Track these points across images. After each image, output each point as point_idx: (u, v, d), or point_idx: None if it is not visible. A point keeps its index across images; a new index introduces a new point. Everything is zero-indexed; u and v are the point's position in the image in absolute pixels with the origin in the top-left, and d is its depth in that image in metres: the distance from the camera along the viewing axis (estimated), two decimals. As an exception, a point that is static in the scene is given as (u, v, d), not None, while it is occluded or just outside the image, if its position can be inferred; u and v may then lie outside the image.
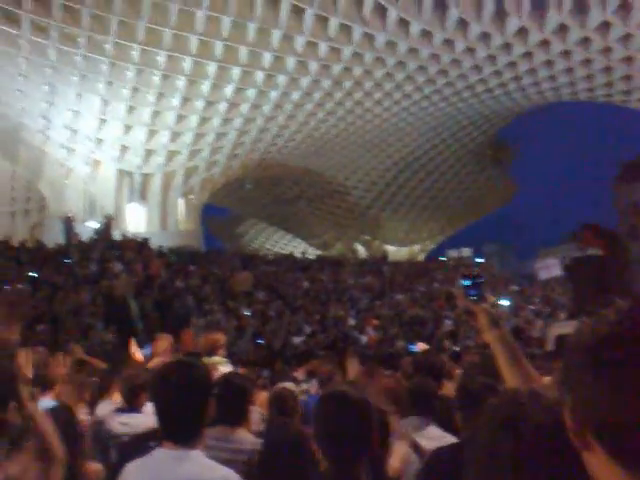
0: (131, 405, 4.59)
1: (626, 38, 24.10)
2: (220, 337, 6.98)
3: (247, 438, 3.53)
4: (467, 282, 2.20)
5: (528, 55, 25.72)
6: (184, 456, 2.40)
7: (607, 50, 24.92)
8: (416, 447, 3.53)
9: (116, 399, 5.26)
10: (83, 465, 3.58)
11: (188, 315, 15.21)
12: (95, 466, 3.88)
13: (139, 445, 3.08)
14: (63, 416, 3.66)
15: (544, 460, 1.44)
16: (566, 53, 25.35)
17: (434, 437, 3.70)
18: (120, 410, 4.67)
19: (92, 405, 5.45)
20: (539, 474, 1.45)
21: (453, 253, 47.11)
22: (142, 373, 4.89)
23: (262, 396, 6.03)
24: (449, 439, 3.44)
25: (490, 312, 2.10)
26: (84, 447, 3.91)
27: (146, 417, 4.40)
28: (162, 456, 2.44)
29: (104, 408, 5.10)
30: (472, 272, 2.33)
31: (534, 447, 1.46)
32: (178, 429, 2.46)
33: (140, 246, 22.66)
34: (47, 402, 4.77)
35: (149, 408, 4.49)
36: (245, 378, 4.20)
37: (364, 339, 17.19)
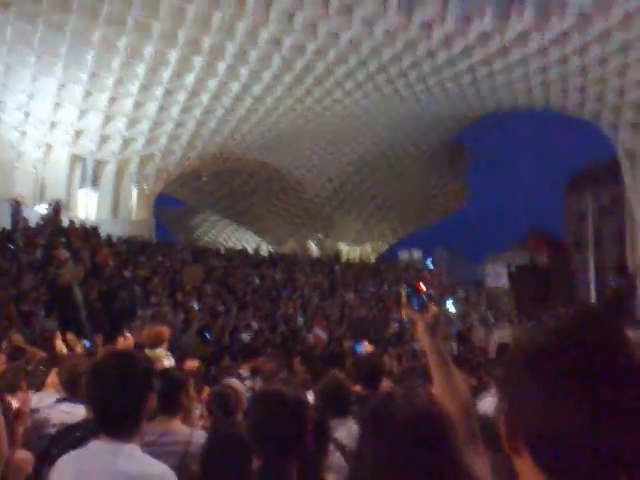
0: (72, 394, 4.48)
1: (584, 49, 24.64)
2: (164, 330, 6.93)
3: (182, 430, 3.52)
4: (409, 289, 2.26)
5: (488, 60, 26.08)
6: (119, 450, 2.35)
7: (564, 60, 25.45)
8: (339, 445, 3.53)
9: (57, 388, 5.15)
10: (11, 453, 3.50)
11: (134, 307, 14.98)
12: (24, 454, 3.78)
13: (68, 436, 3.03)
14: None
15: (402, 455, 1.50)
16: (524, 60, 25.79)
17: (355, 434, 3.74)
18: (62, 399, 4.56)
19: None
20: (396, 469, 1.49)
21: (404, 254, 47.65)
22: (83, 362, 4.81)
23: (206, 392, 5.99)
24: None
25: (427, 321, 2.14)
26: (14, 435, 3.81)
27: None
28: (97, 449, 2.40)
29: (45, 398, 5.01)
30: (416, 281, 2.38)
31: (393, 442, 1.51)
32: (114, 423, 2.42)
33: (89, 234, 22.23)
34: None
35: None
36: (182, 371, 4.18)
37: (311, 338, 17.24)
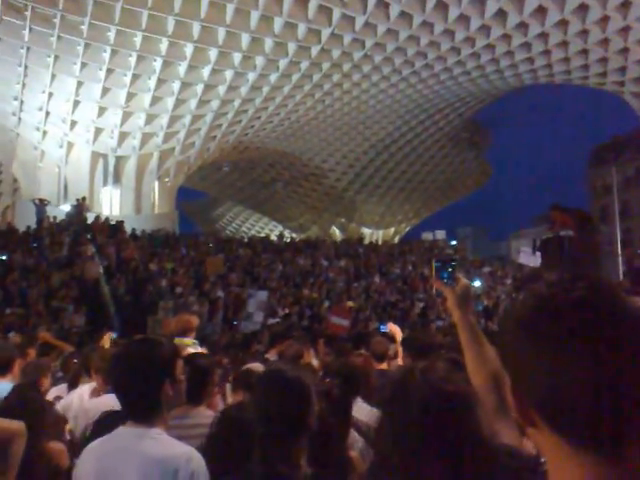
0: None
1: (603, 21, 24.24)
2: (192, 319, 6.97)
3: (205, 413, 3.56)
4: (438, 264, 2.28)
5: (506, 37, 25.76)
6: (143, 434, 2.41)
7: (584, 33, 25.05)
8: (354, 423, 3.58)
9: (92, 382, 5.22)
10: (45, 444, 3.56)
11: (161, 299, 15.15)
12: (57, 446, 3.86)
13: (109, 423, 3.08)
14: (24, 394, 3.64)
15: (418, 435, 1.49)
16: (544, 35, 25.43)
17: (364, 412, 3.80)
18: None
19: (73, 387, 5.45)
20: (419, 446, 1.49)
21: (428, 236, 47.39)
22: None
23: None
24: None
25: (457, 294, 2.16)
26: (48, 427, 3.87)
27: None
28: (123, 434, 2.46)
29: (83, 390, 5.09)
30: (445, 255, 2.41)
31: (409, 422, 1.51)
32: (135, 407, 2.48)
33: (113, 229, 22.47)
34: (5, 385, 4.74)
35: None
36: (208, 358, 4.23)
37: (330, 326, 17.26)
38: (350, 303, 18.74)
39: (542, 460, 1.42)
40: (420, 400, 1.53)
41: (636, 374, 0.79)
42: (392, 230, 48.04)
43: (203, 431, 3.42)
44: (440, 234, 48.32)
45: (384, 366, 5.74)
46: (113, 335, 7.92)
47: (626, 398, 0.79)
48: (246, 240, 28.39)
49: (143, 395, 2.46)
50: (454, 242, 42.68)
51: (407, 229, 50.20)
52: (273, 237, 33.06)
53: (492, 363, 1.97)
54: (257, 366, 5.83)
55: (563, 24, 24.66)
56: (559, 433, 0.83)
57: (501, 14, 24.28)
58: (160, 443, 2.41)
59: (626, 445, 0.80)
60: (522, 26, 24.95)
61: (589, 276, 0.88)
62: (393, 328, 7.14)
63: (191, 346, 6.77)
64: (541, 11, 24.04)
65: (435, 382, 1.58)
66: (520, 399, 0.87)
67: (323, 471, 2.36)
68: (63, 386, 5.86)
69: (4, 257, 15.59)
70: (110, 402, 4.21)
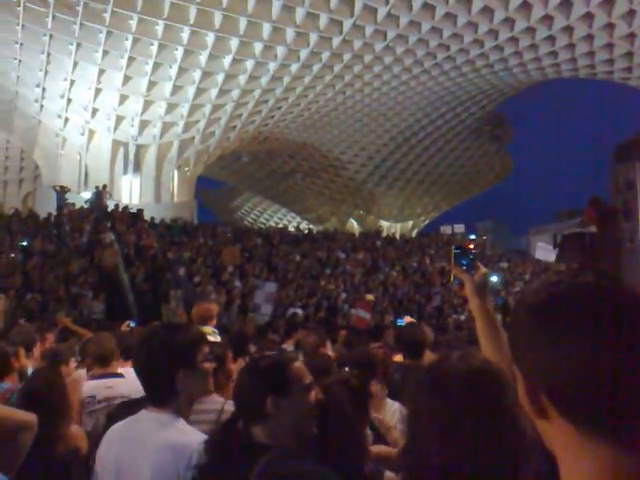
0: (108, 370, 4.59)
1: (629, 14, 23.89)
2: (213, 307, 6.97)
3: (214, 398, 3.58)
4: (458, 251, 2.28)
5: (530, 30, 25.48)
6: (161, 419, 2.44)
7: (609, 26, 24.71)
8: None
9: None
10: (65, 428, 3.57)
11: (178, 287, 15.24)
12: (77, 429, 3.88)
13: (128, 410, 3.10)
14: (47, 378, 3.67)
15: (464, 416, 1.49)
16: (568, 28, 25.13)
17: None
18: (101, 375, 4.64)
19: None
20: (459, 429, 1.49)
21: (446, 229, 47.10)
22: (111, 337, 4.93)
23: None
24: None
25: (475, 281, 2.17)
26: (67, 410, 3.88)
27: (128, 381, 4.44)
28: (142, 418, 2.50)
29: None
30: (465, 242, 2.42)
31: (449, 399, 1.52)
32: (152, 391, 2.51)
33: (133, 217, 22.61)
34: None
35: (129, 372, 4.53)
36: (222, 347, 4.24)
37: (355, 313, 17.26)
38: (370, 296, 18.73)
39: None
40: (460, 377, 1.55)
41: None
42: (410, 223, 47.88)
43: (211, 417, 3.48)
44: (459, 228, 47.90)
45: (400, 358, 5.73)
46: (131, 324, 7.96)
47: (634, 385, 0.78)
48: (264, 231, 28.44)
49: (160, 380, 2.47)
50: (473, 236, 42.43)
51: (426, 222, 49.99)
52: (291, 228, 33.09)
53: (507, 351, 1.96)
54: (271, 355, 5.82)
55: (588, 17, 24.34)
56: (572, 421, 0.81)
57: (525, 6, 24.01)
58: (176, 430, 2.41)
59: (626, 432, 0.79)
60: (546, 19, 24.66)
61: (597, 267, 0.88)
62: (410, 322, 7.12)
63: (211, 335, 6.79)
64: (566, 4, 23.74)
65: (476, 361, 1.62)
66: (532, 387, 0.86)
67: (341, 461, 2.35)
68: (82, 371, 5.90)
69: (25, 243, 15.74)
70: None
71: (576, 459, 0.82)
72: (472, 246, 2.28)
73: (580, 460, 0.81)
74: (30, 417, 2.84)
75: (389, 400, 4.03)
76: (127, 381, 4.38)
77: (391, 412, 3.95)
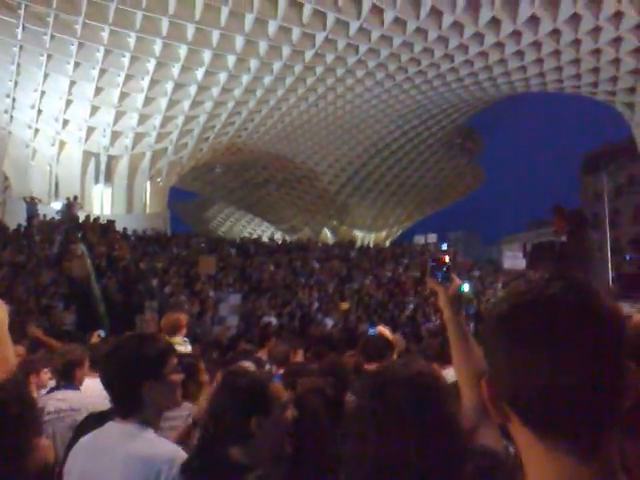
0: (66, 381, 4.53)
1: (595, 31, 24.40)
2: (182, 317, 6.95)
3: (186, 405, 3.61)
4: (434, 264, 2.35)
5: (499, 45, 25.90)
6: (129, 431, 2.40)
7: (576, 42, 25.19)
8: None
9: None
10: (35, 440, 3.56)
11: (151, 298, 15.14)
12: (46, 441, 3.86)
13: (94, 424, 3.09)
14: (17, 389, 3.63)
15: (399, 412, 1.59)
16: (536, 44, 25.59)
17: None
18: (55, 387, 4.60)
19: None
20: (394, 428, 1.58)
21: (420, 239, 47.46)
22: (77, 349, 4.85)
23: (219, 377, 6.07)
24: None
25: (449, 293, 2.22)
26: (37, 422, 3.86)
27: (83, 394, 4.42)
28: (110, 431, 2.46)
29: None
30: (440, 255, 2.49)
31: (396, 409, 1.60)
32: (119, 403, 2.48)
33: (105, 228, 22.43)
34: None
35: (88, 384, 4.51)
36: (193, 357, 4.29)
37: (329, 322, 17.30)
38: (344, 305, 18.79)
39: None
40: (400, 380, 1.65)
41: (608, 371, 0.81)
42: (384, 233, 48.15)
43: (180, 422, 3.52)
44: (432, 238, 48.34)
45: (373, 367, 5.78)
46: (101, 333, 7.90)
47: (596, 394, 0.80)
48: (238, 241, 28.38)
49: (126, 392, 2.43)
50: (445, 245, 42.80)
51: (399, 232, 50.31)
52: (265, 239, 33.06)
53: (478, 363, 2.03)
54: (248, 365, 5.85)
55: (556, 33, 24.79)
56: (532, 430, 0.84)
57: (494, 22, 24.40)
58: (144, 440, 2.38)
59: (601, 442, 0.81)
60: (515, 34, 25.07)
61: (569, 276, 0.88)
62: (383, 330, 7.18)
63: (181, 344, 6.78)
64: (534, 20, 24.17)
65: (415, 366, 1.72)
66: (494, 394, 0.89)
67: (318, 468, 2.39)
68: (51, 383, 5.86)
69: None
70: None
71: (538, 465, 0.84)
72: (447, 259, 2.37)
73: (541, 466, 0.84)
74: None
75: None
76: (78, 394, 4.40)
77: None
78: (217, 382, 5.65)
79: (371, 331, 7.81)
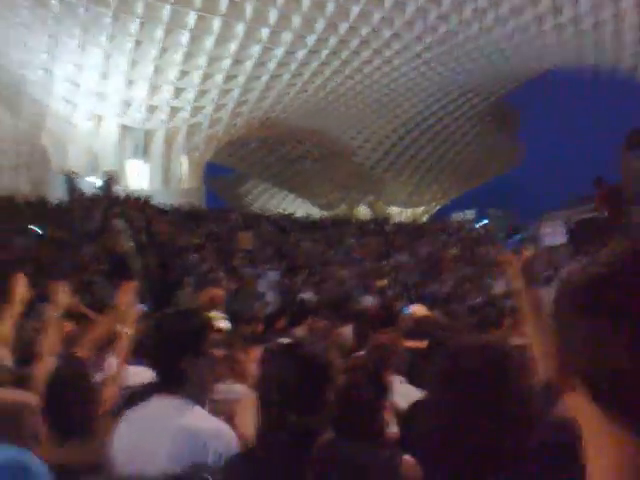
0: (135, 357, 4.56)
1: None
2: (219, 292, 6.95)
3: (233, 388, 3.60)
4: (502, 235, 2.36)
5: (539, 19, 25.19)
6: (174, 405, 2.45)
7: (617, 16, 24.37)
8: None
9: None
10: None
11: (189, 274, 15.25)
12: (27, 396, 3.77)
13: (140, 398, 3.10)
14: (72, 367, 3.63)
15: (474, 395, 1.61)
16: (576, 19, 24.83)
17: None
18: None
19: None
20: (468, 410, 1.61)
21: (457, 216, 47.01)
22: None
23: (256, 352, 6.03)
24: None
25: (522, 263, 2.23)
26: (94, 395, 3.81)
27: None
28: (157, 405, 2.51)
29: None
30: (512, 228, 2.52)
31: (470, 375, 1.64)
32: (164, 377, 2.53)
33: (143, 204, 22.61)
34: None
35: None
36: (231, 334, 4.27)
37: (369, 300, 17.19)
38: (381, 282, 18.66)
39: None
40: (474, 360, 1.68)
41: None
42: (421, 209, 47.82)
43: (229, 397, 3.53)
44: (470, 214, 47.89)
45: (411, 344, 5.71)
46: (144, 308, 7.93)
47: None
48: (273, 217, 28.42)
49: (169, 367, 2.49)
50: (485, 221, 42.35)
51: (437, 208, 49.93)
52: (301, 214, 33.06)
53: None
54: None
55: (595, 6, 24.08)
56: (603, 407, 0.75)
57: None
58: (190, 415, 2.42)
59: None
60: (555, 9, 24.36)
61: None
62: (418, 309, 7.07)
63: (221, 320, 6.76)
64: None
65: (493, 342, 1.78)
66: (564, 365, 0.80)
67: (359, 442, 2.33)
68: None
69: (38, 230, 15.77)
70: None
71: (600, 443, 0.77)
72: (517, 231, 2.33)
73: (607, 447, 0.76)
74: (30, 398, 2.80)
75: (407, 386, 4.00)
76: (148, 370, 4.39)
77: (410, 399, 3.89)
78: (253, 359, 5.63)
79: (405, 311, 7.70)
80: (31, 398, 2.79)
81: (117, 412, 3.26)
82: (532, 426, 1.56)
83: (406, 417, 3.11)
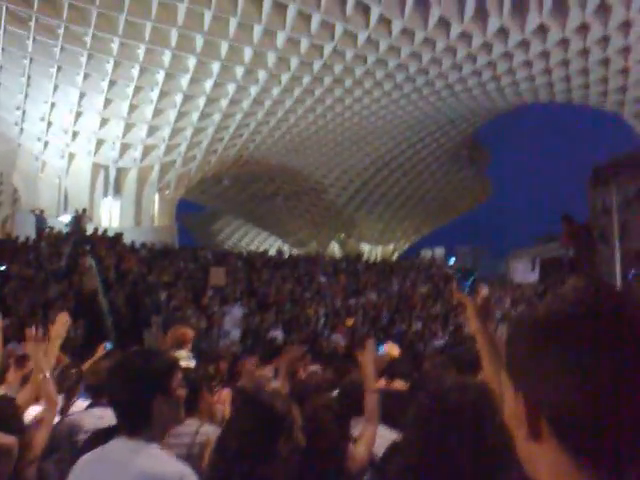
0: (99, 399, 4.48)
1: (604, 40, 24.37)
2: (187, 331, 6.88)
3: (190, 422, 3.56)
4: (459, 275, 2.39)
5: (507, 55, 25.87)
6: (136, 448, 2.37)
7: (585, 52, 25.16)
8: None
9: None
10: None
11: (158, 312, 15.10)
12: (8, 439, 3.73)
13: (98, 442, 3.05)
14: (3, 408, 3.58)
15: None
16: (545, 54, 25.57)
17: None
18: (93, 404, 4.51)
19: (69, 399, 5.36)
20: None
21: (427, 253, 47.34)
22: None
23: (224, 394, 6.00)
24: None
25: (477, 304, 2.23)
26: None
27: None
28: (115, 448, 2.42)
29: (77, 402, 5.02)
30: (466, 268, 2.52)
31: (455, 414, 1.71)
32: (127, 420, 2.46)
33: (113, 241, 22.43)
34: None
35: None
36: (198, 373, 4.24)
37: (337, 338, 17.16)
38: (349, 321, 18.67)
39: None
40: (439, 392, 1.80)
41: None
42: (391, 247, 48.02)
43: (186, 440, 3.45)
44: (439, 251, 48.25)
45: (382, 383, 5.70)
46: (108, 346, 7.83)
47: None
48: (244, 254, 28.34)
49: (134, 407, 2.42)
50: (453, 259, 42.62)
51: (406, 246, 50.18)
52: (272, 252, 33.01)
53: None
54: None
55: (564, 43, 24.78)
56: (571, 448, 0.75)
57: (503, 32, 24.40)
58: (152, 459, 2.34)
59: (629, 464, 0.74)
60: (523, 44, 25.06)
61: (606, 284, 0.82)
62: (391, 348, 7.08)
63: (185, 359, 6.70)
64: (543, 30, 24.17)
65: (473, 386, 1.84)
66: (531, 407, 0.79)
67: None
68: (59, 397, 5.79)
69: (2, 267, 15.53)
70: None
71: None
72: (472, 271, 2.37)
73: None
74: (9, 440, 2.77)
75: (383, 429, 3.89)
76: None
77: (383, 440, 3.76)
78: (222, 400, 5.59)
79: (380, 349, 7.69)
80: (10, 440, 2.75)
81: (76, 456, 3.22)
82: (512, 461, 1.59)
83: (383, 458, 3.11)
